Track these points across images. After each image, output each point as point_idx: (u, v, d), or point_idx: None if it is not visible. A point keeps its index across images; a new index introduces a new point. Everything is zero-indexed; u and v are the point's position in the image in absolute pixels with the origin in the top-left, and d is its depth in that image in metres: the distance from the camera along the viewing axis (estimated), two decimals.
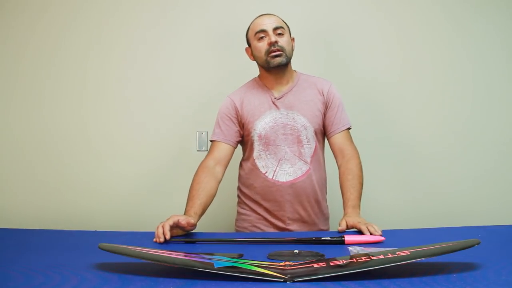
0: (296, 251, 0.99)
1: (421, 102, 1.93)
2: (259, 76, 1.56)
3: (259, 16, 1.50)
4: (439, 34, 1.93)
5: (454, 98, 1.92)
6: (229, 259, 0.91)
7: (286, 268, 0.85)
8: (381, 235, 1.14)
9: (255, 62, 1.53)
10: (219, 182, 1.43)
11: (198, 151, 1.95)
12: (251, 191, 1.50)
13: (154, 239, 1.14)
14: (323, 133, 1.52)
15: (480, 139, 1.91)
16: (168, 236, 1.12)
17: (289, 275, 0.80)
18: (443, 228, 1.34)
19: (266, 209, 1.48)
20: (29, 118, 2.01)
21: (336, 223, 1.29)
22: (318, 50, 1.95)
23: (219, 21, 1.97)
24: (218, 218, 1.78)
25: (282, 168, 1.45)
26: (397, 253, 0.86)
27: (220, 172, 1.45)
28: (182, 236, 1.20)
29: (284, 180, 1.45)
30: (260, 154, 1.48)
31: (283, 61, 1.44)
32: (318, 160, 1.49)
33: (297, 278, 0.78)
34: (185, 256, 0.90)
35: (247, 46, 1.54)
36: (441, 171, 1.93)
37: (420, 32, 1.93)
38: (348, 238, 1.10)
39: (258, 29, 1.46)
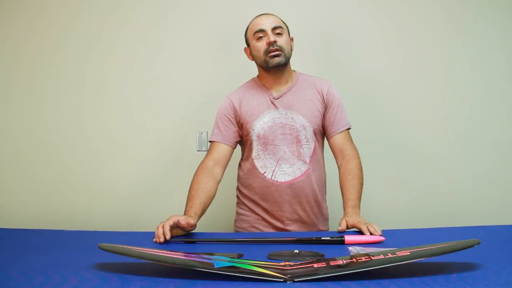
0: (296, 251, 0.99)
1: (421, 102, 1.93)
2: (258, 76, 1.55)
3: (258, 16, 1.50)
4: (439, 34, 1.93)
5: (454, 98, 1.92)
6: (229, 259, 0.91)
7: (286, 268, 0.85)
8: (381, 235, 1.14)
9: (254, 62, 1.53)
10: (218, 183, 1.43)
11: (198, 151, 1.95)
12: (250, 191, 1.50)
13: (154, 239, 1.14)
14: (323, 133, 1.52)
15: (480, 139, 1.91)
16: (168, 236, 1.12)
17: (289, 275, 0.80)
18: (443, 228, 1.34)
19: (265, 210, 1.48)
20: (29, 118, 2.01)
21: (335, 224, 1.29)
22: (318, 50, 1.95)
23: (219, 21, 1.97)
24: (217, 219, 1.78)
25: (281, 168, 1.45)
26: (397, 253, 0.86)
27: (219, 173, 1.45)
28: (182, 236, 1.20)
29: (283, 180, 1.44)
30: (258, 154, 1.47)
31: (282, 61, 1.43)
32: (317, 160, 1.49)
33: (297, 278, 0.79)
34: (185, 256, 0.90)
35: (246, 46, 1.54)
36: (441, 171, 1.93)
37: (420, 32, 1.93)
38: (348, 238, 1.10)
39: (256, 28, 1.46)
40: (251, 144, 1.48)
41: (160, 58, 1.99)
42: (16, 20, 2.01)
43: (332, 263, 0.85)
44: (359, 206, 1.34)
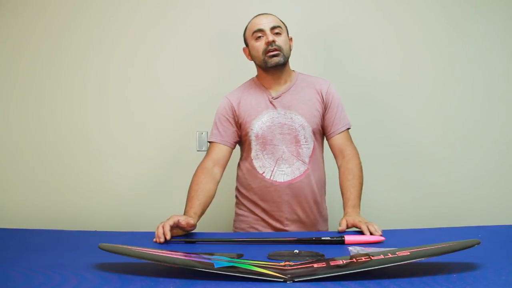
0: (296, 251, 0.99)
1: (421, 102, 1.93)
2: (257, 76, 1.55)
3: (257, 15, 1.49)
4: (439, 34, 1.92)
5: (454, 98, 1.92)
6: (229, 259, 0.91)
7: (286, 268, 0.85)
8: (381, 235, 1.14)
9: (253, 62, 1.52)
10: (218, 183, 1.43)
11: (198, 151, 1.95)
12: (248, 191, 1.49)
13: (154, 239, 1.14)
14: (322, 133, 1.51)
15: (480, 139, 1.91)
16: (168, 236, 1.12)
17: (289, 275, 0.80)
18: (443, 228, 1.34)
19: (264, 210, 1.47)
20: (29, 118, 2.01)
21: (335, 225, 1.29)
22: (318, 50, 1.95)
23: (219, 21, 1.97)
24: (216, 219, 1.78)
25: (279, 168, 1.44)
26: (397, 253, 0.86)
27: (218, 173, 1.44)
28: (182, 236, 1.20)
29: (282, 180, 1.44)
30: (257, 154, 1.47)
31: (281, 60, 1.43)
32: (316, 160, 1.48)
33: (297, 278, 0.79)
34: (185, 256, 0.90)
35: (244, 46, 1.54)
36: (441, 171, 1.93)
37: (420, 32, 1.93)
38: (348, 238, 1.10)
39: (255, 28, 1.45)
40: (249, 144, 1.48)
41: (160, 58, 1.99)
42: (16, 20, 2.01)
43: (332, 263, 0.85)
44: (359, 205, 1.34)
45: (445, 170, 1.92)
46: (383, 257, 0.84)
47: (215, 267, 0.81)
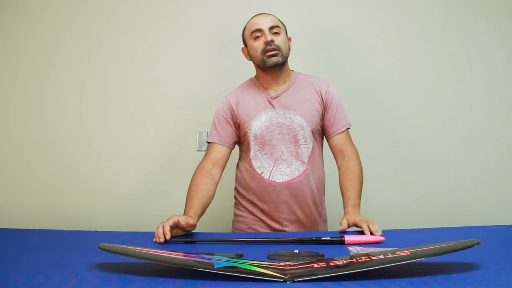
0: (296, 251, 0.99)
1: (421, 102, 1.93)
2: (255, 76, 1.55)
3: (255, 15, 1.49)
4: (439, 34, 1.92)
5: (454, 98, 1.92)
6: (229, 259, 0.91)
7: (286, 268, 0.85)
8: (381, 235, 1.14)
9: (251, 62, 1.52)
10: (217, 184, 1.43)
11: (198, 151, 1.95)
12: (247, 192, 1.49)
13: (154, 239, 1.14)
14: (321, 133, 1.51)
15: (480, 139, 1.91)
16: (168, 236, 1.12)
17: (289, 275, 0.80)
18: (443, 228, 1.34)
19: (262, 211, 1.46)
20: (29, 118, 2.01)
21: (335, 226, 1.29)
22: (318, 50, 1.95)
23: (219, 21, 1.97)
24: (215, 219, 1.77)
25: (278, 169, 1.44)
26: (397, 253, 0.86)
27: (217, 174, 1.44)
28: (182, 236, 1.20)
29: (281, 181, 1.43)
30: (256, 154, 1.46)
31: (279, 60, 1.42)
32: (315, 160, 1.48)
33: (297, 278, 0.79)
34: (185, 256, 0.90)
35: (243, 46, 1.53)
36: (441, 171, 1.93)
37: (420, 32, 1.93)
38: (348, 238, 1.10)
39: (254, 28, 1.45)
40: (248, 144, 1.47)
41: (160, 58, 1.99)
42: (16, 20, 2.01)
43: (332, 263, 0.85)
44: (359, 205, 1.34)
45: (445, 170, 1.92)
46: (383, 257, 0.84)
47: (215, 267, 0.81)
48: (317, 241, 1.11)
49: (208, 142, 1.51)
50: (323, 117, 1.48)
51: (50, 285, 0.80)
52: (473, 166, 1.91)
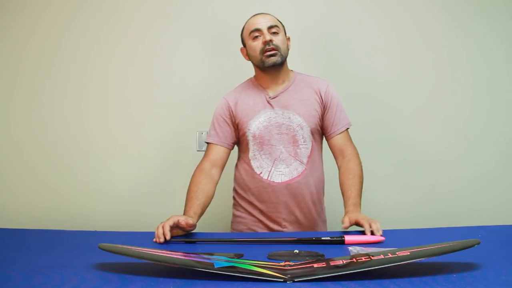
0: (296, 251, 0.99)
1: (421, 102, 1.93)
2: (254, 76, 1.54)
3: (254, 15, 1.49)
4: (439, 34, 1.92)
5: (454, 98, 1.92)
6: (229, 259, 0.91)
7: (286, 268, 0.85)
8: (381, 235, 1.13)
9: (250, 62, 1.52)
10: (216, 184, 1.43)
11: (198, 151, 1.95)
12: (246, 192, 1.48)
13: (154, 239, 1.14)
14: (321, 133, 1.50)
15: (480, 139, 1.91)
16: (168, 236, 1.12)
17: (289, 275, 0.80)
18: (443, 228, 1.34)
19: (261, 211, 1.46)
20: (29, 118, 2.01)
21: (335, 226, 1.29)
22: (318, 50, 1.95)
23: (219, 21, 1.97)
24: (214, 220, 1.77)
25: (277, 169, 1.43)
26: (397, 253, 0.86)
27: (216, 174, 1.44)
28: (182, 236, 1.20)
29: (280, 181, 1.43)
30: (254, 155, 1.46)
31: (278, 60, 1.42)
32: (315, 161, 1.47)
33: (297, 278, 0.79)
34: (185, 256, 0.90)
35: (242, 46, 1.53)
36: (441, 171, 1.93)
37: (420, 32, 1.93)
38: (348, 238, 1.10)
39: (252, 28, 1.44)
40: (247, 144, 1.47)
41: (160, 58, 1.99)
42: (16, 20, 2.01)
43: (332, 263, 0.85)
44: (360, 204, 1.34)
45: (445, 170, 1.92)
46: (383, 257, 0.84)
47: (215, 267, 0.81)
48: (317, 241, 1.11)
49: (207, 143, 1.50)
50: (322, 117, 1.48)
51: (50, 285, 0.80)
52: (473, 166, 1.91)
